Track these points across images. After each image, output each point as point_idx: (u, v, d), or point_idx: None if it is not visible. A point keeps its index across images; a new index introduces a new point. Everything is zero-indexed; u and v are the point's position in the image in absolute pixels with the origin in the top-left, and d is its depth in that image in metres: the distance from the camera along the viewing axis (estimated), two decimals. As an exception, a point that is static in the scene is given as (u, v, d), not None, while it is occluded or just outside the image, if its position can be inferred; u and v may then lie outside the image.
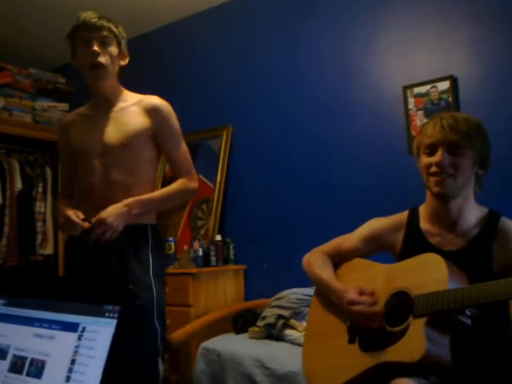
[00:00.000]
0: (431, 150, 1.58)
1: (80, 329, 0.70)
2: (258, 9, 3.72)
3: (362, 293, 1.60)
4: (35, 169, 4.33)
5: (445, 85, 2.89)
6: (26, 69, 4.42)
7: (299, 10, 3.49)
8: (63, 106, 4.59)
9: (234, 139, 3.72)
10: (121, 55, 2.02)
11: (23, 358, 0.73)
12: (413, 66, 3.02)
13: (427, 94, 2.94)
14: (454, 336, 1.43)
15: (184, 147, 2.08)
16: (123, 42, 2.02)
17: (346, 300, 1.61)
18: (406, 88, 3.02)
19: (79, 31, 1.96)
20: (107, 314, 0.68)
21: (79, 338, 0.69)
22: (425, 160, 1.60)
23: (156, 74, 4.07)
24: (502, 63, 2.76)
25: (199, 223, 3.71)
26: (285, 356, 2.48)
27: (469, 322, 1.41)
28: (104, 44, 1.94)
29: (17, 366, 0.74)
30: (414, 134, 2.97)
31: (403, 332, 1.46)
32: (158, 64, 4.13)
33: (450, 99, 2.86)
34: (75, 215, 1.86)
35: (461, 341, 1.44)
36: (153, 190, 2.05)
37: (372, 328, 1.56)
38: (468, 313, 1.40)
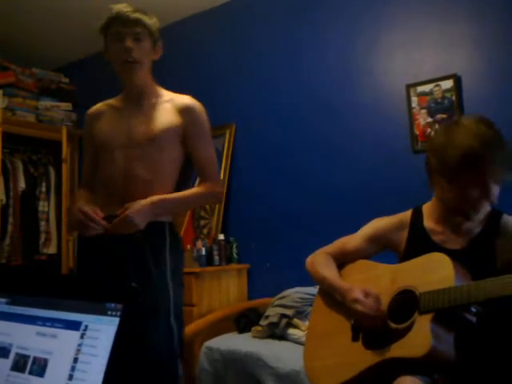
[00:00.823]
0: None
1: (82, 327, 0.70)
2: (261, 7, 3.72)
3: (366, 294, 1.59)
4: (38, 168, 4.34)
5: (448, 83, 2.88)
6: (29, 68, 4.44)
7: (302, 9, 3.49)
8: (66, 105, 4.60)
9: (237, 138, 3.72)
10: (154, 49, 1.98)
11: (26, 357, 0.73)
12: (416, 65, 3.02)
13: (431, 92, 2.94)
14: (458, 333, 1.43)
15: (212, 151, 2.03)
16: (157, 36, 1.97)
17: (350, 298, 1.61)
18: (409, 87, 3.01)
19: (112, 25, 1.92)
20: (110, 313, 0.67)
21: (82, 337, 0.69)
22: (474, 193, 1.53)
23: (159, 73, 4.07)
24: (505, 62, 2.75)
25: (202, 222, 3.72)
26: (288, 355, 2.48)
27: (474, 319, 1.41)
28: (137, 39, 1.90)
29: (19, 365, 0.73)
30: (417, 132, 2.96)
31: (408, 329, 1.46)
32: (161, 63, 4.13)
33: (454, 98, 2.86)
34: (95, 213, 1.81)
35: (465, 338, 1.44)
36: (173, 188, 1.99)
37: (371, 328, 1.56)
38: (473, 310, 1.40)
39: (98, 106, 2.09)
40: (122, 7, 1.91)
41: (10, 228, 4.04)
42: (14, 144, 4.18)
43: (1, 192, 3.95)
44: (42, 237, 4.25)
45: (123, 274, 1.82)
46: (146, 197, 1.85)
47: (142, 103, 1.97)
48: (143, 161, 1.90)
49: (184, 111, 1.96)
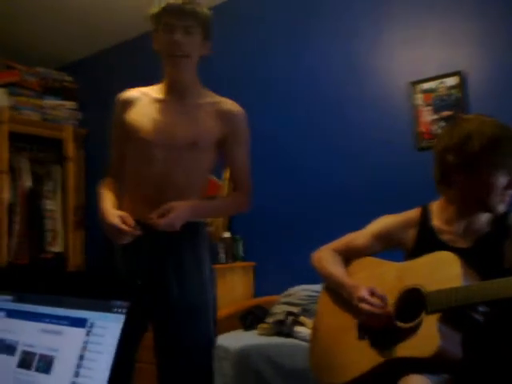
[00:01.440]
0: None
1: (88, 324, 0.70)
2: (264, 4, 3.71)
3: (372, 293, 1.59)
4: (44, 167, 4.35)
5: (453, 80, 2.87)
6: (32, 67, 4.44)
7: (306, 5, 3.48)
8: (71, 104, 4.62)
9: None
10: (204, 43, 1.88)
11: (32, 354, 0.74)
12: (420, 62, 3.00)
13: (435, 89, 2.93)
14: (465, 333, 1.42)
15: (249, 161, 1.96)
16: (209, 30, 1.87)
17: (356, 296, 1.60)
18: (413, 84, 3.00)
19: (163, 16, 1.80)
20: (115, 310, 0.67)
21: (88, 334, 0.69)
22: (501, 179, 1.55)
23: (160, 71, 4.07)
24: (510, 58, 2.73)
25: (208, 220, 3.71)
26: (294, 353, 2.48)
27: (481, 319, 1.40)
28: (188, 32, 1.79)
29: (26, 362, 0.74)
30: (421, 129, 2.95)
31: (415, 328, 1.45)
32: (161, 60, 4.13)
33: (459, 95, 2.84)
34: (122, 222, 1.70)
35: (472, 338, 1.43)
36: (200, 193, 1.93)
37: (378, 328, 1.55)
38: (481, 310, 1.39)
39: (133, 91, 1.94)
40: None
41: (16, 226, 4.06)
42: (19, 143, 4.18)
43: (7, 191, 3.96)
44: (48, 235, 4.26)
45: (163, 275, 1.78)
46: (176, 200, 1.77)
47: (184, 101, 1.87)
48: (182, 166, 1.82)
49: (227, 117, 1.88)
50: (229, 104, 1.92)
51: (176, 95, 1.88)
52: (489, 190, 1.54)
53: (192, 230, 1.82)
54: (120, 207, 1.81)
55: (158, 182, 1.81)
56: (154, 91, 1.92)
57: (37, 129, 4.26)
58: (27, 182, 4.15)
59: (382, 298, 1.56)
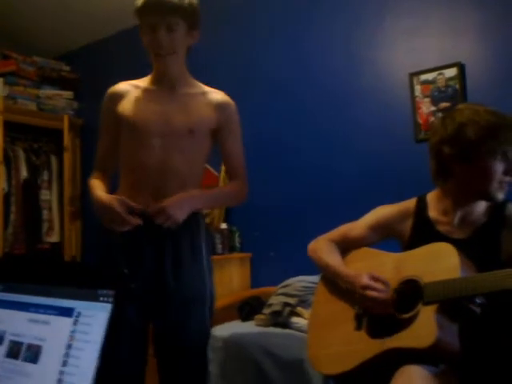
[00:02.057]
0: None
1: (75, 314, 0.69)
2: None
3: (375, 279, 1.58)
4: (40, 157, 4.34)
5: (452, 72, 2.85)
6: (30, 57, 4.42)
7: (305, -5, 3.46)
8: (68, 94, 4.59)
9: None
10: (190, 34, 1.85)
11: (19, 344, 0.73)
12: (419, 53, 2.98)
13: (434, 81, 2.91)
14: (463, 324, 1.42)
15: (242, 150, 1.98)
16: (193, 19, 1.83)
17: (359, 285, 1.59)
18: (412, 75, 2.98)
19: (145, 13, 1.77)
20: (102, 299, 0.67)
21: (75, 323, 0.68)
22: (499, 166, 1.54)
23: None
24: (510, 49, 2.71)
25: (204, 211, 3.70)
26: (291, 343, 2.48)
27: (478, 310, 1.40)
28: (171, 29, 1.77)
29: (13, 352, 0.73)
30: (420, 121, 2.94)
31: (412, 319, 1.45)
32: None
33: (458, 86, 2.83)
34: (122, 206, 1.69)
35: (469, 329, 1.43)
36: (201, 183, 1.94)
37: (381, 314, 1.55)
38: (478, 301, 1.39)
39: (122, 85, 1.93)
40: None
41: (12, 217, 4.05)
42: (15, 133, 4.17)
43: (3, 181, 3.94)
44: (45, 225, 4.25)
45: (161, 265, 1.78)
46: (179, 190, 1.78)
47: (175, 91, 1.87)
48: (180, 152, 1.82)
49: (219, 107, 1.89)
50: (220, 95, 1.94)
51: (166, 86, 1.88)
52: (487, 177, 1.53)
53: (191, 220, 1.81)
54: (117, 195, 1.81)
55: (158, 170, 1.80)
56: (144, 82, 1.92)
57: (33, 118, 4.24)
58: (23, 172, 4.14)
59: (384, 282, 1.56)
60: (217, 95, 1.92)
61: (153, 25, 1.76)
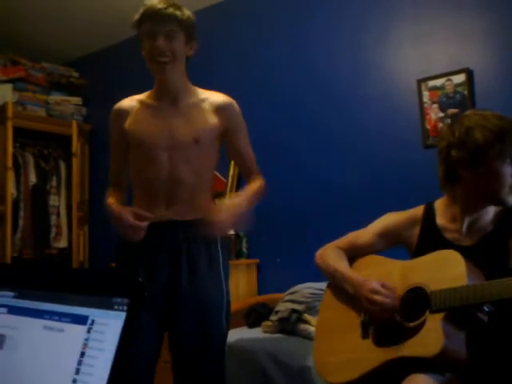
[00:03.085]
0: None
1: (89, 321, 0.69)
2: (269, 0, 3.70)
3: (383, 285, 1.58)
4: (49, 163, 4.36)
5: (460, 78, 2.85)
6: (39, 63, 4.45)
7: (311, 1, 3.46)
8: (76, 99, 4.62)
9: (247, 133, 3.70)
10: (188, 45, 1.88)
11: (34, 351, 0.73)
12: (427, 59, 2.99)
13: (442, 87, 2.91)
14: (470, 332, 1.41)
15: (250, 146, 2.01)
16: (191, 31, 1.88)
17: (367, 288, 1.58)
18: (420, 81, 2.98)
19: (144, 22, 1.82)
20: (116, 307, 0.67)
21: (88, 331, 0.69)
22: (509, 170, 1.54)
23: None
24: (518, 55, 2.72)
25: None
26: (298, 350, 2.47)
27: (485, 318, 1.40)
28: (170, 37, 1.80)
29: (29, 359, 0.73)
30: (428, 127, 2.94)
31: (419, 327, 1.44)
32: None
33: (466, 92, 2.83)
34: (131, 214, 1.72)
35: (476, 337, 1.43)
36: (211, 189, 1.97)
37: (387, 322, 1.55)
38: (486, 309, 1.38)
39: (127, 101, 1.98)
40: (156, 2, 1.81)
41: (21, 222, 4.07)
42: (24, 138, 4.20)
43: (12, 186, 3.97)
44: (53, 231, 4.27)
45: (176, 270, 1.81)
46: (191, 199, 1.83)
47: (178, 103, 1.89)
48: (188, 163, 1.85)
49: (222, 109, 1.91)
50: (221, 97, 1.96)
51: (168, 99, 1.91)
52: (497, 182, 1.53)
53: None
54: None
55: (168, 183, 1.84)
56: (147, 97, 1.96)
57: (42, 124, 4.27)
58: (32, 178, 4.16)
59: (392, 290, 1.56)
60: (217, 98, 1.95)
61: (153, 32, 1.80)
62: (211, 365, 1.83)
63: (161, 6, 1.80)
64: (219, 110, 1.91)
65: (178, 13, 1.82)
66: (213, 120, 1.89)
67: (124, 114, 1.94)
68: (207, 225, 1.70)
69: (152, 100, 1.94)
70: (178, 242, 1.81)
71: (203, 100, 1.92)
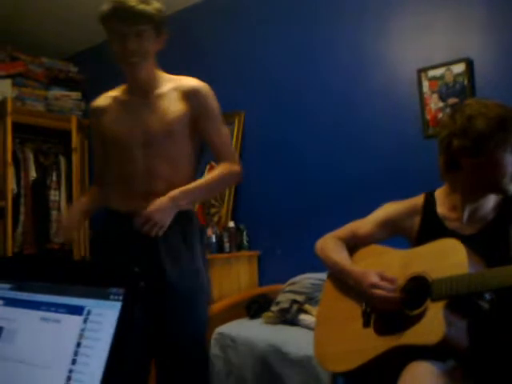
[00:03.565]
0: None
1: (85, 312, 0.69)
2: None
3: (382, 277, 1.58)
4: (49, 158, 4.36)
5: (460, 67, 2.84)
6: (38, 58, 4.43)
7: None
8: (76, 94, 4.61)
9: (246, 126, 3.70)
10: (158, 39, 1.87)
11: (31, 342, 0.73)
12: (427, 49, 2.97)
13: (442, 77, 2.90)
14: (471, 320, 1.41)
15: (224, 130, 1.97)
16: (160, 24, 1.84)
17: (366, 282, 1.58)
18: (420, 71, 2.97)
19: (113, 20, 1.78)
20: (112, 297, 0.67)
21: (85, 322, 0.69)
22: (510, 159, 1.53)
23: (167, 61, 4.05)
24: (518, 45, 2.70)
25: (212, 210, 3.72)
26: (300, 341, 2.48)
27: (487, 306, 1.39)
28: (140, 36, 1.78)
29: (25, 351, 0.73)
30: (428, 117, 2.93)
31: (420, 316, 1.44)
32: (169, 51, 4.11)
33: (466, 82, 2.82)
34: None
35: (478, 325, 1.43)
36: (193, 179, 1.95)
37: (389, 312, 1.55)
38: (487, 297, 1.38)
39: (102, 98, 2.00)
40: None
41: (21, 217, 4.08)
42: (24, 134, 4.19)
43: (12, 181, 3.97)
44: (54, 226, 4.27)
45: (157, 263, 1.82)
46: (168, 190, 1.81)
47: (149, 95, 1.90)
48: (162, 157, 1.86)
49: (190, 95, 1.89)
50: (190, 82, 1.94)
51: (140, 92, 1.91)
52: (498, 170, 1.52)
53: (182, 217, 1.85)
54: (110, 201, 1.91)
55: (144, 178, 1.86)
56: (120, 93, 1.97)
57: (41, 120, 4.26)
58: (32, 173, 4.16)
59: (392, 281, 1.55)
60: (186, 84, 1.93)
61: (122, 33, 1.78)
62: (193, 348, 1.86)
63: (128, 2, 1.75)
64: (187, 96, 1.89)
65: (147, 9, 1.77)
66: (182, 108, 1.88)
67: (99, 111, 1.96)
68: (140, 224, 1.73)
69: (125, 95, 1.95)
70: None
71: (174, 88, 1.91)
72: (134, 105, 1.90)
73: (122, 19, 1.76)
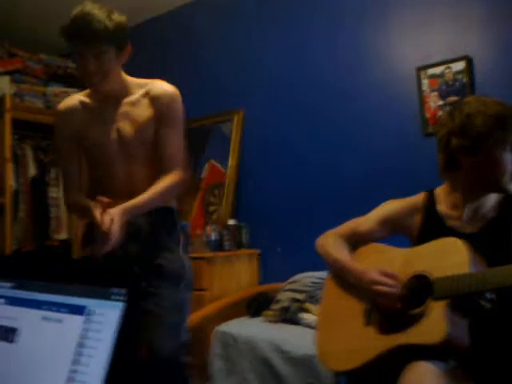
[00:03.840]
0: None
1: (87, 312, 0.69)
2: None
3: (383, 273, 1.57)
4: (48, 154, 4.34)
5: (460, 65, 2.83)
6: (36, 54, 4.41)
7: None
8: (74, 91, 4.58)
9: (246, 123, 3.70)
10: (120, 55, 1.84)
11: (33, 341, 0.73)
12: (427, 47, 2.97)
13: (442, 75, 2.89)
14: (472, 320, 1.41)
15: (178, 141, 1.94)
16: (122, 40, 1.81)
17: (366, 279, 1.58)
18: (419, 69, 2.96)
19: (71, 40, 1.77)
20: (113, 297, 0.67)
21: (86, 321, 0.68)
22: (509, 157, 1.52)
23: (167, 59, 4.05)
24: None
25: (212, 208, 3.71)
26: (300, 339, 2.48)
27: (488, 306, 1.39)
28: (99, 56, 1.75)
29: (26, 350, 0.73)
30: (427, 115, 2.92)
31: (422, 315, 1.44)
32: (169, 48, 4.11)
33: (465, 80, 2.81)
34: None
35: (479, 325, 1.42)
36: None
37: (390, 310, 1.54)
38: (488, 297, 1.38)
39: (69, 102, 1.99)
40: (82, 16, 1.73)
41: (20, 214, 4.06)
42: (22, 130, 4.17)
43: (11, 178, 3.95)
44: (53, 223, 4.26)
45: (137, 246, 1.86)
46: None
47: (119, 103, 1.91)
48: (141, 161, 1.90)
49: (155, 100, 1.90)
50: (158, 88, 1.94)
51: (110, 101, 1.91)
52: (498, 169, 1.52)
53: (164, 214, 1.93)
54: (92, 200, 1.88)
55: (125, 181, 1.90)
56: (89, 99, 1.96)
57: (40, 116, 4.24)
58: (31, 170, 4.14)
59: (394, 277, 1.55)
60: (155, 89, 1.93)
61: (82, 54, 1.76)
62: (175, 325, 1.88)
63: (88, 22, 1.72)
64: (153, 100, 1.90)
65: (106, 26, 1.73)
66: (148, 113, 1.90)
67: (68, 115, 1.96)
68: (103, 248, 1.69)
69: (93, 102, 1.95)
70: (138, 224, 1.86)
71: (143, 95, 1.92)
72: (106, 113, 1.91)
73: (81, 39, 1.74)
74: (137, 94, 1.93)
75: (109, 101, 1.91)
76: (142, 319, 1.84)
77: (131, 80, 1.97)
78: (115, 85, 1.88)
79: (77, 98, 1.99)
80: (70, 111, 1.97)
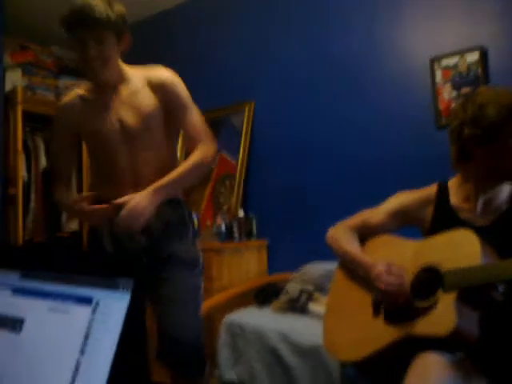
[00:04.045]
0: None
1: (94, 302, 0.69)
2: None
3: (390, 269, 1.56)
4: (59, 146, 4.36)
5: (474, 56, 2.80)
6: (47, 47, 4.42)
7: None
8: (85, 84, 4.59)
9: (256, 114, 3.69)
10: (120, 42, 1.87)
11: (38, 332, 0.73)
12: (440, 38, 2.94)
13: (455, 66, 2.86)
14: (483, 312, 1.40)
15: (195, 115, 1.97)
16: (121, 28, 1.84)
17: (373, 273, 1.58)
18: (433, 60, 2.93)
19: (73, 27, 1.79)
20: (121, 288, 0.66)
21: (93, 312, 0.68)
22: None
23: (177, 50, 4.05)
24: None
25: (221, 199, 3.71)
26: (309, 330, 2.48)
27: (500, 298, 1.38)
28: (100, 41, 1.78)
29: (33, 340, 0.73)
30: (441, 107, 2.89)
31: (431, 306, 1.43)
32: (180, 40, 4.10)
33: (480, 71, 2.78)
34: (89, 203, 1.83)
35: (490, 317, 1.41)
36: (176, 161, 2.03)
37: (397, 302, 1.53)
38: (500, 289, 1.37)
39: (68, 99, 2.01)
40: (82, 5, 1.76)
41: (32, 205, 4.09)
42: (34, 123, 4.19)
43: (23, 170, 3.98)
44: (64, 214, 4.28)
45: (146, 237, 1.88)
46: (156, 179, 1.86)
47: (120, 93, 1.92)
48: (146, 150, 1.91)
49: (159, 88, 1.92)
50: (157, 73, 1.96)
51: (110, 91, 1.92)
52: (511, 159, 1.50)
53: (172, 204, 1.94)
54: (100, 191, 1.94)
55: (131, 171, 1.91)
56: (88, 92, 1.97)
57: (51, 109, 4.24)
58: (42, 162, 4.17)
59: (400, 276, 1.54)
60: (155, 75, 1.95)
61: (83, 40, 1.78)
62: (192, 312, 1.91)
63: (89, 9, 1.75)
64: (155, 89, 1.92)
65: (107, 13, 1.77)
66: (154, 102, 1.92)
67: (68, 112, 1.98)
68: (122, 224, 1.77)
69: (93, 94, 1.96)
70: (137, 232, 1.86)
71: (144, 84, 1.93)
72: (107, 103, 1.92)
73: (82, 25, 1.77)
74: (136, 82, 1.94)
75: (107, 89, 1.92)
76: (160, 304, 1.89)
77: (127, 67, 1.98)
78: (114, 73, 1.90)
79: (75, 92, 2.01)
80: (69, 106, 1.99)
